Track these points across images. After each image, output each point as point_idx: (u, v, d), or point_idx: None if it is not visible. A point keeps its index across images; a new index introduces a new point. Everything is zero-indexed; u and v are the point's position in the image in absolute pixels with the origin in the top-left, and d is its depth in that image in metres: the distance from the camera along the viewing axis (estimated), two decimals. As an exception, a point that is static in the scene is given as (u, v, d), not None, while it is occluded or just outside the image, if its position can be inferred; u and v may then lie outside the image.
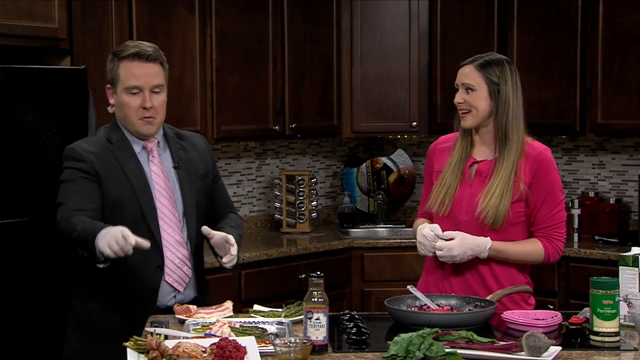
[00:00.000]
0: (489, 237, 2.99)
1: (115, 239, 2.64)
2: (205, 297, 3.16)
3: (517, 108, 3.06)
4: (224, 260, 2.98)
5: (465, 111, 3.05)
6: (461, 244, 2.96)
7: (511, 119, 3.03)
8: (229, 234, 2.98)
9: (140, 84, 2.94)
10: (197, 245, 3.10)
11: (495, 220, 2.98)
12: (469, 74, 3.04)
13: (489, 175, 3.03)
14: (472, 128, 3.08)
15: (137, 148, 3.02)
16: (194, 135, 3.22)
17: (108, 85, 3.02)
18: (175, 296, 3.02)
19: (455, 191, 3.05)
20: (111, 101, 3.02)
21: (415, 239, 3.11)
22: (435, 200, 3.07)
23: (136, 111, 2.95)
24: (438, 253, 3.00)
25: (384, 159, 5.74)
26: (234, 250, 2.96)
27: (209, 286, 3.24)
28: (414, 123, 5.44)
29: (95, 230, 2.72)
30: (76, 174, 2.92)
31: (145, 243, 2.70)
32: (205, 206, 3.13)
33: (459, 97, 3.06)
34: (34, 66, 3.86)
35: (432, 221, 3.15)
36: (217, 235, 2.95)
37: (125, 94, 2.96)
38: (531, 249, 3.03)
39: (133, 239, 2.65)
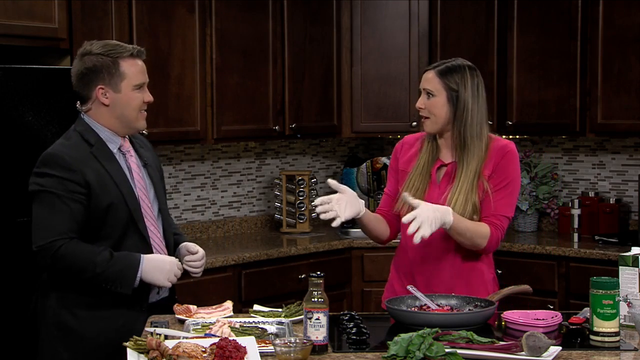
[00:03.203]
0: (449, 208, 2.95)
1: (173, 272, 2.92)
2: (174, 295, 3.17)
3: (478, 114, 3.07)
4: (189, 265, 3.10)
5: (425, 117, 3.09)
6: (425, 208, 2.89)
7: (470, 125, 3.05)
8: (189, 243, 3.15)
9: (145, 80, 3.02)
10: (170, 243, 3.12)
11: None
12: (430, 80, 3.09)
13: (452, 180, 3.07)
14: (433, 133, 3.11)
15: (113, 148, 3.00)
16: (140, 135, 3.22)
17: (101, 86, 2.95)
18: (158, 292, 3.03)
19: (424, 193, 3.08)
20: (105, 101, 2.96)
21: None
22: (404, 203, 3.06)
23: (140, 106, 3.00)
24: (411, 227, 2.88)
25: (384, 159, 5.74)
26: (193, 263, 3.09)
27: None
28: (414, 123, 5.43)
29: (131, 266, 2.87)
30: (62, 186, 2.86)
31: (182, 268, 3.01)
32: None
33: (420, 102, 3.11)
34: (34, 66, 3.86)
35: (389, 220, 3.20)
36: (199, 252, 3.10)
37: (133, 91, 2.98)
38: (481, 229, 3.01)
39: (181, 265, 2.98)
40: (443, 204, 3.00)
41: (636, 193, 5.00)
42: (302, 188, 5.29)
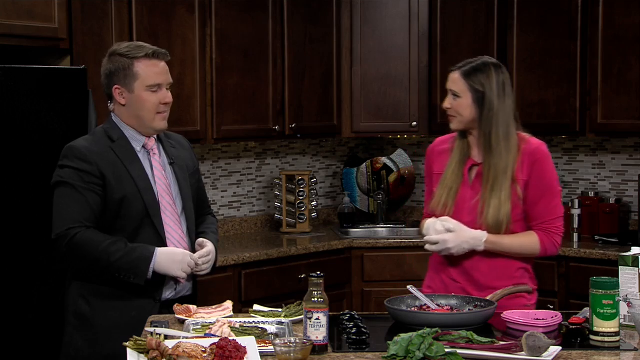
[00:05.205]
0: (485, 231, 3.03)
1: (187, 263, 3.00)
2: (197, 293, 3.23)
3: (505, 113, 3.08)
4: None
5: (452, 116, 3.12)
6: (457, 237, 3.02)
7: (496, 125, 3.06)
8: (210, 241, 3.17)
9: (161, 82, 3.07)
10: (193, 240, 3.17)
11: (497, 227, 3.04)
12: (455, 81, 3.11)
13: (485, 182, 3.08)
14: (459, 130, 3.14)
15: (137, 146, 3.09)
16: (178, 135, 3.34)
17: (117, 86, 3.05)
18: (176, 288, 3.09)
19: (457, 193, 3.10)
20: (122, 101, 3.07)
21: (423, 238, 3.19)
22: (438, 202, 3.13)
23: (156, 107, 3.06)
24: (432, 247, 3.06)
25: (384, 159, 5.74)
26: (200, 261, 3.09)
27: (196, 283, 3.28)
28: (414, 123, 5.44)
29: (144, 256, 2.94)
30: (78, 177, 2.97)
31: (199, 260, 3.06)
32: (196, 201, 3.25)
33: (447, 103, 3.14)
34: (34, 66, 3.86)
35: None
36: (206, 247, 3.12)
37: (145, 91, 3.05)
38: (527, 240, 3.07)
39: (196, 258, 3.03)
40: (475, 207, 3.05)
41: (636, 193, 5.00)
42: (302, 188, 5.29)
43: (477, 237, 3.02)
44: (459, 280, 3.10)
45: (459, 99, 3.08)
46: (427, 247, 3.10)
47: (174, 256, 2.98)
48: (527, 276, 3.14)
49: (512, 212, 3.03)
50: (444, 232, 3.04)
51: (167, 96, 3.08)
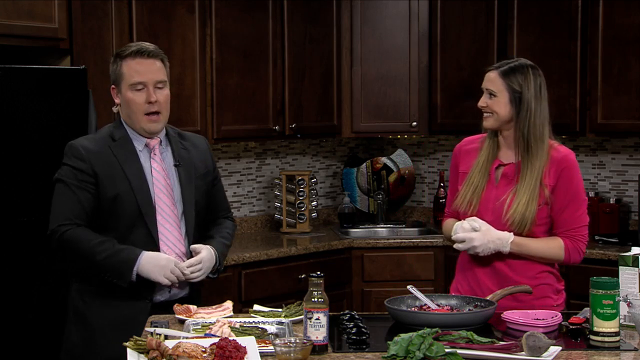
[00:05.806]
0: (511, 232, 3.04)
1: (170, 270, 2.95)
2: (199, 294, 3.22)
3: (541, 114, 3.10)
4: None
5: (488, 113, 3.13)
6: (484, 235, 3.03)
7: (533, 125, 3.08)
8: (213, 246, 3.12)
9: (143, 80, 3.02)
10: (194, 242, 3.14)
11: (521, 226, 3.05)
12: (492, 80, 3.12)
13: (515, 180, 3.09)
14: (492, 129, 3.15)
15: (139, 146, 3.09)
16: (196, 136, 3.30)
17: (112, 86, 3.09)
18: (170, 291, 3.07)
19: (482, 192, 3.12)
20: (117, 101, 3.09)
21: (448, 237, 3.20)
22: (463, 200, 3.14)
23: (142, 107, 3.03)
24: (459, 246, 3.07)
25: (384, 159, 5.74)
26: (189, 269, 3.04)
27: (203, 284, 3.26)
28: (414, 123, 5.44)
29: (129, 259, 2.92)
30: (73, 175, 2.99)
31: (185, 268, 3.00)
32: (204, 204, 3.21)
33: (482, 101, 3.15)
34: (34, 66, 3.86)
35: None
36: (198, 255, 3.07)
37: (130, 91, 3.03)
38: (552, 245, 3.09)
39: (183, 266, 2.98)
40: (499, 208, 3.06)
41: (636, 193, 5.00)
42: (302, 188, 5.29)
43: (504, 238, 3.03)
44: (485, 281, 3.11)
45: (495, 98, 3.10)
46: (455, 246, 3.11)
47: (157, 261, 2.95)
48: (551, 277, 3.16)
49: (537, 214, 3.05)
50: (470, 230, 3.05)
51: (151, 95, 3.02)
